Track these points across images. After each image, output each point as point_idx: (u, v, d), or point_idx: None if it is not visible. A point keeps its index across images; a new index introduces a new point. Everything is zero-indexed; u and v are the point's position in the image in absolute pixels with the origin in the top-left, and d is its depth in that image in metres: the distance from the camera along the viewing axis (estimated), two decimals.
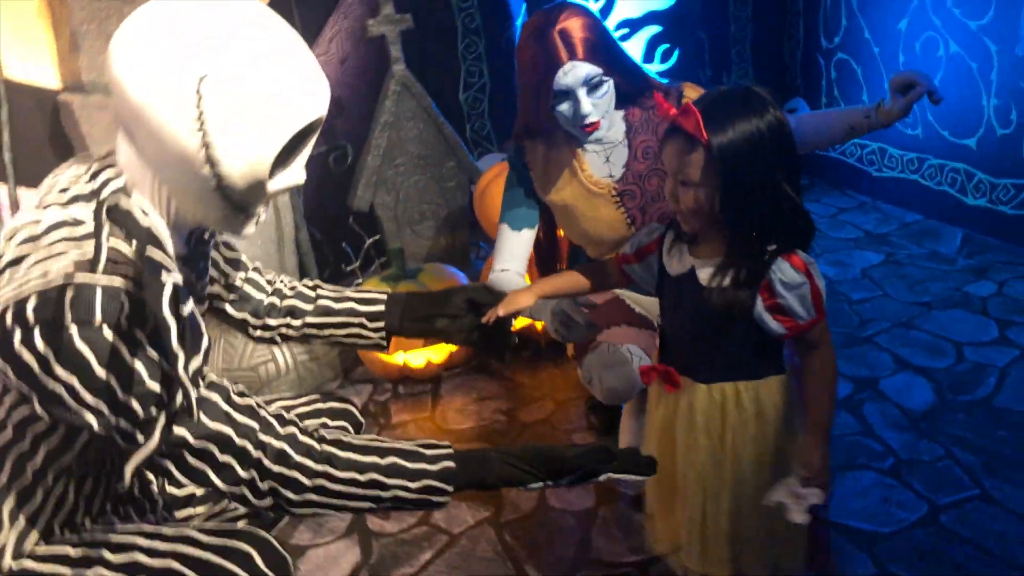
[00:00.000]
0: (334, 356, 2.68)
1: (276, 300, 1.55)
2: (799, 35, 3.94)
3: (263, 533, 1.22)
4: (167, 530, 1.23)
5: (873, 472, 1.98)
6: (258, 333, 1.56)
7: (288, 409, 1.55)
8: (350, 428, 1.60)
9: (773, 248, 1.25)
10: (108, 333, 0.99)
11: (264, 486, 1.13)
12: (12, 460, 1.14)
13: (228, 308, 1.52)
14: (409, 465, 1.20)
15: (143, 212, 1.07)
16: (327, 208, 3.22)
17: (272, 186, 1.09)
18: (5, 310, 0.98)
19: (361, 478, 1.17)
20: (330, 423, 1.56)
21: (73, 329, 0.97)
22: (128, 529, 1.24)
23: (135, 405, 1.02)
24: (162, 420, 1.04)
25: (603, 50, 1.67)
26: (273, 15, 1.07)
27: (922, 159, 3.38)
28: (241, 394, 1.16)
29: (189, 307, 1.03)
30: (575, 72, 1.64)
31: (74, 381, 0.99)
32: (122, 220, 1.05)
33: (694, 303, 1.34)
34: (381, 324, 1.55)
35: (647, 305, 1.93)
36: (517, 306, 1.49)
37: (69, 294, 0.98)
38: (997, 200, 3.07)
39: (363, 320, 1.55)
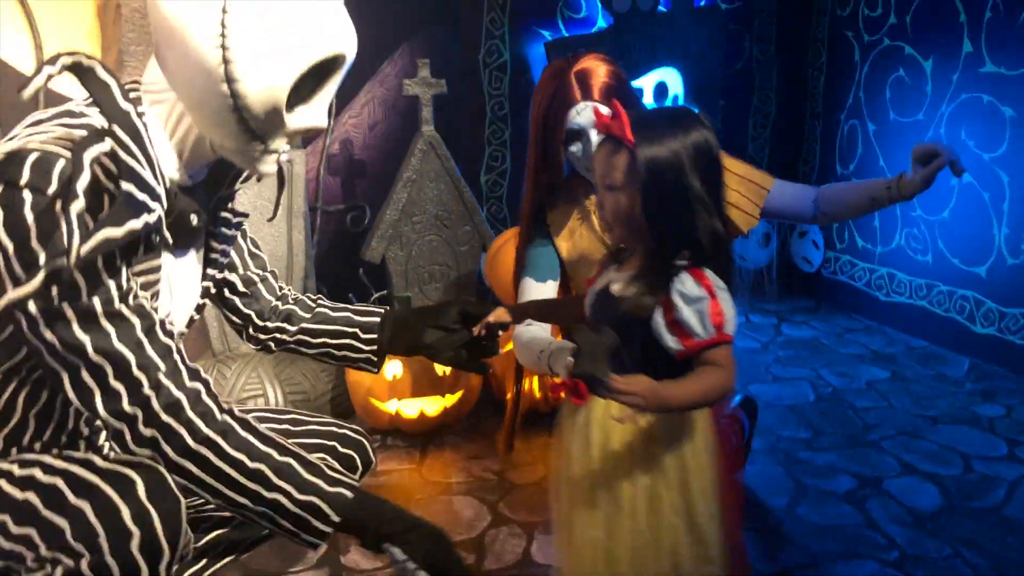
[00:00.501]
0: (326, 400, 2.61)
1: (279, 304, 1.54)
2: (815, 161, 4.05)
3: (161, 468, 1.11)
4: (77, 454, 1.17)
5: (877, 563, 1.89)
6: (255, 334, 1.53)
7: (301, 423, 1.51)
8: (358, 460, 1.54)
9: (682, 263, 1.25)
10: (57, 205, 0.98)
11: (147, 432, 1.07)
12: None
13: (238, 301, 1.50)
14: (304, 474, 1.14)
15: (140, 117, 1.06)
16: (338, 263, 3.22)
17: (291, 121, 1.09)
18: None
19: (249, 464, 1.11)
20: (340, 448, 1.51)
21: (26, 194, 0.98)
22: (55, 454, 1.18)
23: (52, 280, 0.98)
24: (69, 313, 1.01)
25: (620, 96, 1.70)
26: None
27: (931, 285, 3.40)
28: (169, 335, 1.11)
29: (147, 220, 1.03)
30: (587, 112, 1.68)
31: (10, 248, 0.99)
32: (117, 118, 1.04)
33: (605, 316, 1.33)
34: (374, 336, 1.52)
35: None
36: (504, 318, 1.48)
37: (32, 157, 0.99)
38: (1006, 329, 3.06)
39: (357, 331, 1.52)
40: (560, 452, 1.40)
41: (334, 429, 1.54)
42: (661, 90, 3.70)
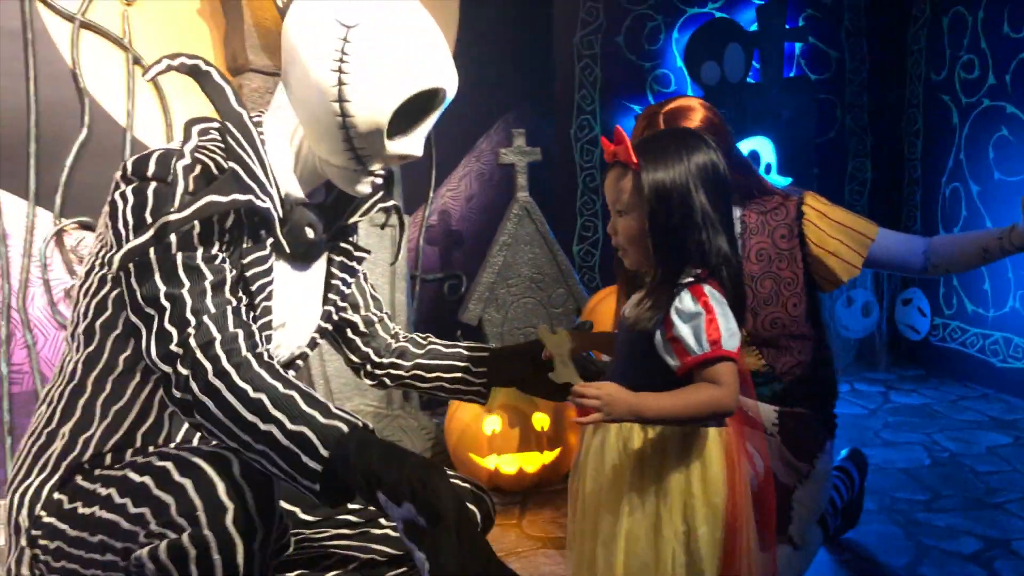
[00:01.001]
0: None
1: (392, 342, 1.60)
2: (916, 226, 3.96)
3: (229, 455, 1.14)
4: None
5: None
6: (372, 371, 1.59)
7: None
8: (479, 516, 1.49)
9: (686, 280, 1.25)
10: (173, 187, 1.12)
11: (183, 371, 1.10)
12: (68, 398, 1.24)
13: (359, 341, 1.57)
14: (302, 405, 1.09)
15: (259, 133, 1.20)
16: (436, 328, 3.30)
17: (391, 147, 1.21)
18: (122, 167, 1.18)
19: (251, 395, 1.09)
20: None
21: (152, 184, 1.13)
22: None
23: (161, 231, 1.10)
24: (155, 265, 1.12)
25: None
26: (419, 4, 1.24)
27: None
28: (228, 301, 1.17)
29: (253, 200, 1.16)
30: None
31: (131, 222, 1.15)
32: (230, 117, 1.18)
33: (621, 337, 1.34)
34: (484, 370, 1.56)
35: (754, 407, 1.84)
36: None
37: (156, 154, 1.15)
38: None
39: (469, 365, 1.57)
40: (576, 473, 1.39)
41: (458, 485, 1.55)
42: (753, 159, 3.72)
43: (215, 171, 1.16)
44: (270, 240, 1.23)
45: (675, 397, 1.23)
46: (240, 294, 1.21)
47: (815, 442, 1.78)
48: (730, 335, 1.23)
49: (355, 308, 1.54)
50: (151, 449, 1.24)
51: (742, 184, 1.79)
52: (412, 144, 1.24)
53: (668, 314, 1.24)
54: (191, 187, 1.13)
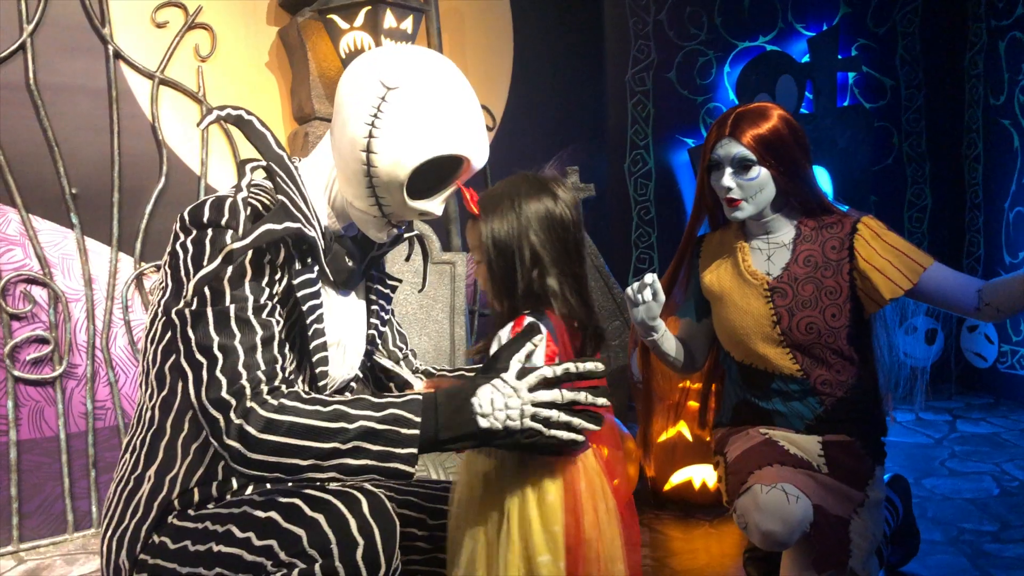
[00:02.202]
0: None
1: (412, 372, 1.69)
2: (979, 251, 3.90)
3: (380, 493, 1.24)
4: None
5: None
6: None
7: None
8: None
9: (524, 311, 1.32)
10: (230, 236, 1.21)
11: (236, 420, 1.17)
12: (150, 442, 1.34)
13: (383, 378, 1.65)
14: (374, 400, 1.21)
15: (298, 173, 1.31)
16: None
17: (411, 203, 1.32)
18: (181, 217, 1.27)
19: (325, 410, 1.18)
20: None
21: (209, 231, 1.22)
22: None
23: (226, 261, 1.18)
24: (210, 315, 1.20)
25: (774, 148, 1.77)
26: (464, 78, 1.34)
27: None
28: (281, 355, 1.25)
29: (303, 228, 1.25)
30: (728, 147, 1.78)
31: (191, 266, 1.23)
32: (272, 158, 1.29)
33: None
34: None
35: (802, 444, 1.84)
36: None
37: (209, 201, 1.24)
38: None
39: None
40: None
41: None
42: None
43: (263, 210, 1.27)
44: (316, 267, 1.33)
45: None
46: (293, 319, 1.30)
47: (864, 469, 1.78)
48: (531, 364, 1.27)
49: (384, 342, 1.64)
50: (260, 489, 1.34)
51: (804, 199, 1.84)
52: (432, 204, 1.35)
53: (489, 344, 1.33)
54: (248, 221, 1.24)
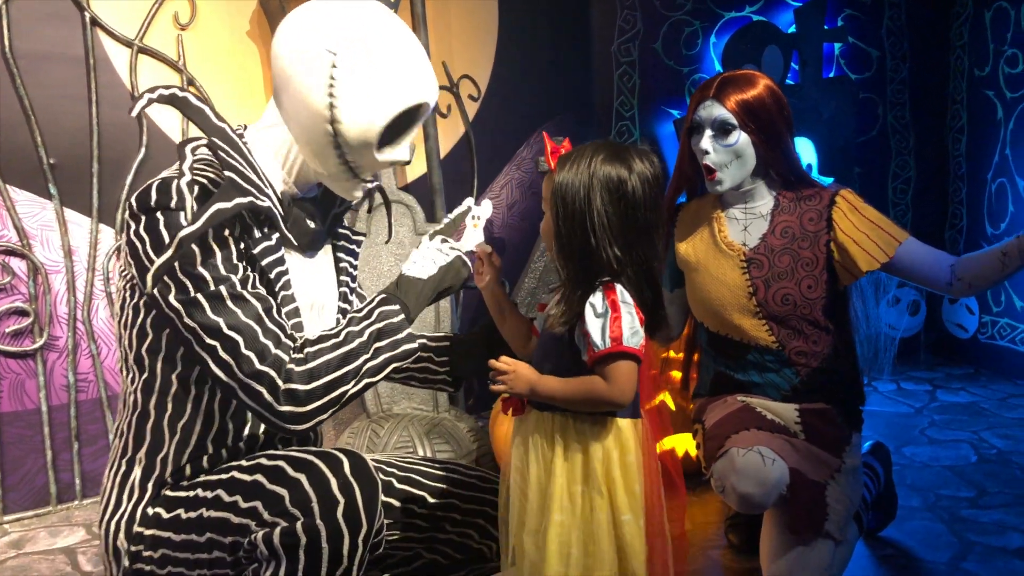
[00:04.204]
0: (472, 458, 2.70)
1: None
2: (962, 223, 3.92)
3: (362, 454, 1.29)
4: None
5: None
6: None
7: (489, 481, 1.61)
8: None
9: (603, 279, 1.31)
10: (183, 217, 1.21)
11: (282, 382, 1.22)
12: (136, 426, 1.34)
13: None
14: (357, 313, 1.33)
15: (243, 143, 1.30)
16: None
17: (380, 156, 1.32)
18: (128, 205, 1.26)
19: (339, 339, 1.28)
20: (490, 497, 1.58)
21: (159, 214, 1.21)
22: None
23: (180, 245, 1.18)
24: (203, 301, 1.22)
25: (756, 114, 1.76)
26: (401, 22, 1.33)
27: None
28: (278, 323, 1.28)
29: (255, 201, 1.24)
30: (710, 110, 1.77)
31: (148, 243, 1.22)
32: (214, 132, 1.27)
33: (541, 331, 1.42)
34: (446, 359, 1.63)
35: (780, 412, 1.85)
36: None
37: (155, 184, 1.23)
38: None
39: (432, 355, 1.64)
40: (507, 463, 1.45)
41: (488, 474, 1.63)
42: None
43: (211, 186, 1.25)
44: (275, 235, 1.32)
45: (566, 383, 1.33)
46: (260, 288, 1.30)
47: (841, 436, 1.80)
48: (632, 333, 1.30)
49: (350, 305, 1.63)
50: (247, 456, 1.35)
51: (783, 169, 1.83)
52: (400, 152, 1.35)
53: (583, 310, 1.31)
54: (197, 201, 1.23)
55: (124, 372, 1.37)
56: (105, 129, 2.63)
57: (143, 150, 2.67)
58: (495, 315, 1.54)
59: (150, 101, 1.27)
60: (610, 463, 1.34)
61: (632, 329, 1.30)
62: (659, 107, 3.75)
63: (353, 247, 1.54)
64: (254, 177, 1.26)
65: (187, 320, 1.22)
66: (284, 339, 1.25)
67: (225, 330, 1.21)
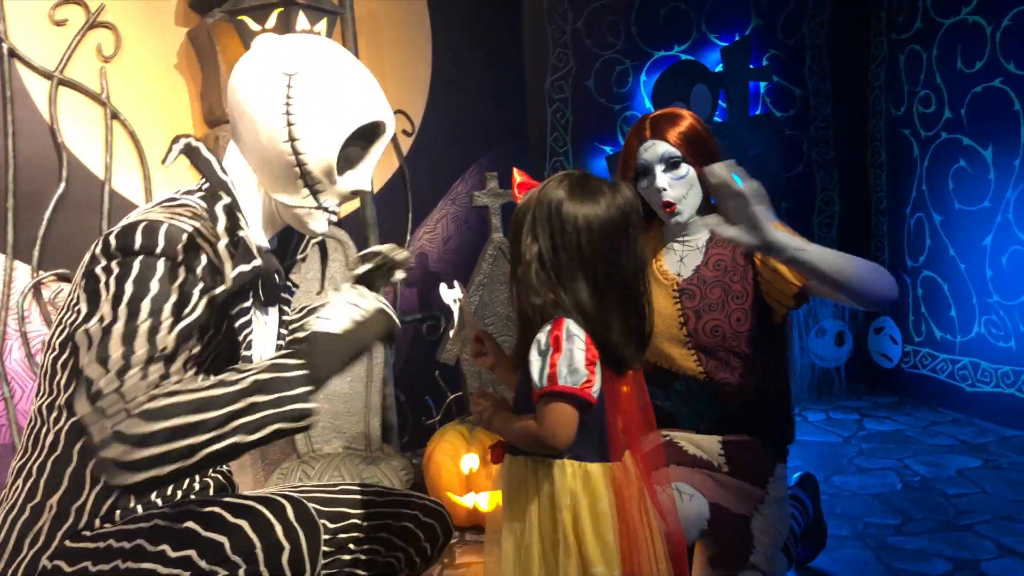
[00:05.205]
0: None
1: None
2: (884, 256, 4.05)
3: (304, 499, 1.26)
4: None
5: None
6: None
7: (385, 494, 1.59)
8: (439, 530, 1.59)
9: (556, 314, 1.28)
10: (161, 264, 1.16)
11: (110, 426, 1.07)
12: (51, 469, 1.26)
13: None
14: (254, 363, 1.21)
15: (236, 205, 1.26)
16: (415, 368, 3.35)
17: (341, 183, 1.31)
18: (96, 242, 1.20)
19: (205, 383, 1.13)
20: (421, 517, 1.58)
21: (140, 256, 1.16)
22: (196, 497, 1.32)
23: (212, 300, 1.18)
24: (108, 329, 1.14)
25: (696, 145, 1.78)
26: (346, 51, 1.34)
27: (1018, 372, 3.30)
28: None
29: (255, 264, 1.23)
30: (654, 149, 1.77)
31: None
32: (221, 186, 1.26)
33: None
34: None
35: (703, 444, 1.85)
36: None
37: (141, 226, 1.18)
38: None
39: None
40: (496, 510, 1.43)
41: (415, 500, 1.61)
42: None
43: (197, 237, 1.21)
44: (251, 294, 1.30)
45: (511, 421, 1.32)
46: (217, 343, 1.26)
47: (765, 467, 1.81)
48: (570, 372, 1.24)
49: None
50: (177, 502, 1.29)
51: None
52: (360, 179, 1.34)
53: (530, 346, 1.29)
54: (183, 251, 1.19)
55: (46, 411, 1.26)
56: (22, 163, 2.54)
57: (63, 184, 2.59)
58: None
59: (180, 152, 1.26)
60: (579, 510, 1.28)
61: (571, 367, 1.24)
62: (592, 143, 3.80)
63: (289, 296, 1.52)
64: (249, 233, 1.25)
65: (93, 348, 1.13)
66: (144, 384, 1.10)
67: (108, 364, 1.11)
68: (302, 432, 1.19)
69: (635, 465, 1.36)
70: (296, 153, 1.26)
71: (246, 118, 1.27)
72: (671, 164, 1.78)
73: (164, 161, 1.28)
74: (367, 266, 1.46)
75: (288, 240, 1.47)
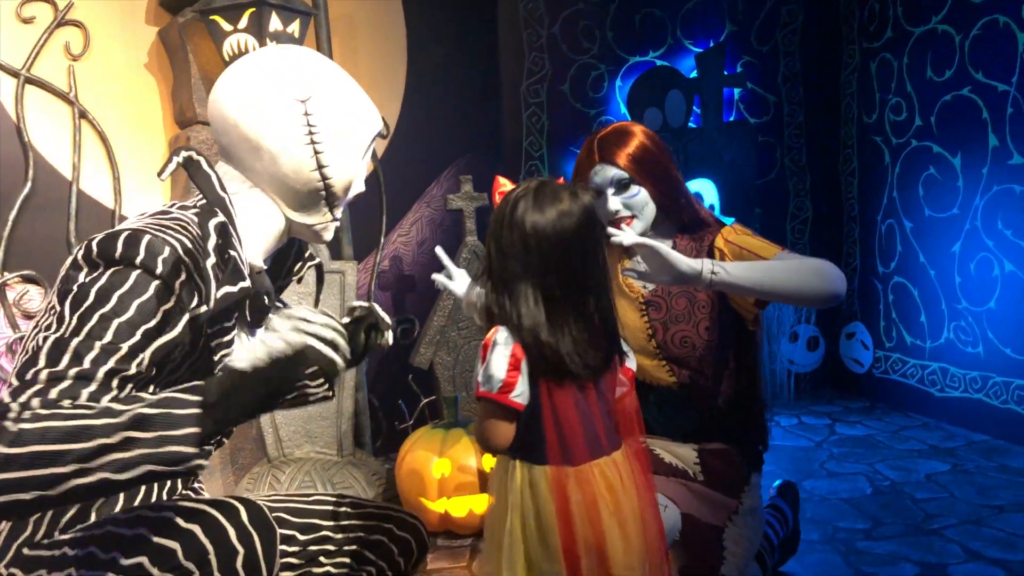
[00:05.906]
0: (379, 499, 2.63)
1: None
2: (856, 262, 4.09)
3: (259, 501, 1.24)
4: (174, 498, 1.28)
5: None
6: None
7: (359, 506, 1.57)
8: (413, 543, 1.57)
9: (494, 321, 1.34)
10: (134, 276, 1.10)
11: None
12: None
13: None
14: (151, 397, 1.04)
15: (229, 222, 1.23)
16: (389, 372, 3.33)
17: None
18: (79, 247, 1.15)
19: (90, 410, 1.00)
20: (396, 531, 1.56)
21: (118, 267, 1.10)
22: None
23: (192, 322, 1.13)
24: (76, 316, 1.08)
25: (646, 164, 1.76)
26: (327, 59, 1.33)
27: (986, 377, 3.34)
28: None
29: (243, 285, 1.20)
30: (603, 173, 1.76)
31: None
32: (217, 203, 1.23)
33: None
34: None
35: (679, 453, 1.85)
36: None
37: (124, 235, 1.13)
38: None
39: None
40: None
41: (391, 513, 1.59)
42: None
43: (182, 252, 1.14)
44: (235, 314, 1.27)
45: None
46: (191, 363, 1.22)
47: (739, 477, 1.82)
48: (486, 379, 1.29)
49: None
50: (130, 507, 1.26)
51: (680, 213, 1.82)
52: (360, 183, 1.37)
53: None
54: (164, 264, 1.12)
55: None
56: None
57: (29, 184, 2.55)
58: None
59: (178, 164, 1.23)
60: (526, 513, 1.31)
61: (487, 374, 1.28)
62: (567, 148, 3.81)
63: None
64: (242, 252, 1.23)
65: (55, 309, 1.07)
66: (40, 393, 1.01)
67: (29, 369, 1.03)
68: (182, 477, 1.08)
69: (630, 463, 1.38)
70: (324, 178, 1.27)
71: (264, 152, 1.24)
72: (621, 186, 1.77)
73: (161, 174, 1.22)
74: (346, 319, 1.38)
75: (283, 260, 1.45)
